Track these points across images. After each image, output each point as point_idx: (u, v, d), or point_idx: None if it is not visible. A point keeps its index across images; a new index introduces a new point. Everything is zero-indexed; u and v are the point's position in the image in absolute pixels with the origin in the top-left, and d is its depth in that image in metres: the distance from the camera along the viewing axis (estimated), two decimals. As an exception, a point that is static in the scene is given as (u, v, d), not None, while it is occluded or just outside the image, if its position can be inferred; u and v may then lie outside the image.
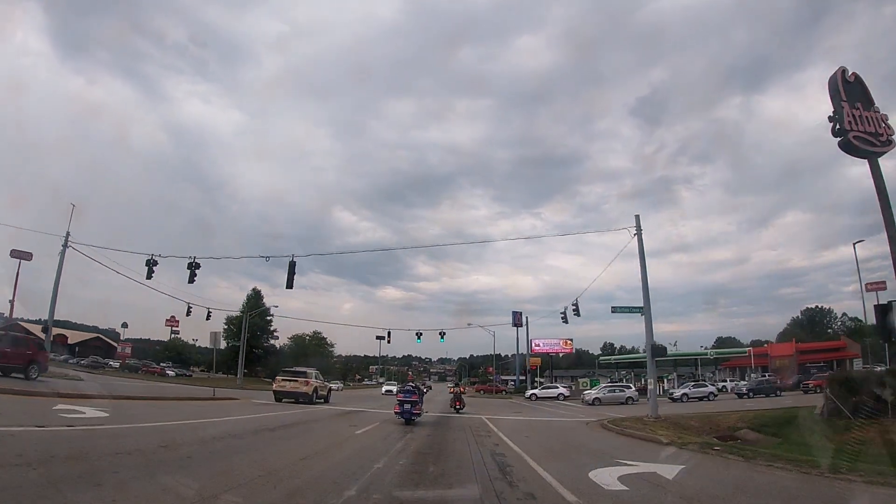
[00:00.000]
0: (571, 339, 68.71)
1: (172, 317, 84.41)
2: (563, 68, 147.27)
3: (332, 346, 79.04)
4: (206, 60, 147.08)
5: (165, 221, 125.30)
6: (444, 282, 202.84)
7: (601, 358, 73.09)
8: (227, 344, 79.98)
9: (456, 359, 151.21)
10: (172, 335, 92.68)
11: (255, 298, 79.44)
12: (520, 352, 66.00)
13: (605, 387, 36.09)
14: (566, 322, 31.51)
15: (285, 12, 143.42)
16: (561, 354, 70.36)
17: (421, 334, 44.14)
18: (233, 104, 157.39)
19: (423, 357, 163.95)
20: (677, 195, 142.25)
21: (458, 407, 22.15)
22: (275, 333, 78.85)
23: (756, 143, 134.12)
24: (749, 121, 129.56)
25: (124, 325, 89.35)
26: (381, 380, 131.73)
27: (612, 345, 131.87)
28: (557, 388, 43.76)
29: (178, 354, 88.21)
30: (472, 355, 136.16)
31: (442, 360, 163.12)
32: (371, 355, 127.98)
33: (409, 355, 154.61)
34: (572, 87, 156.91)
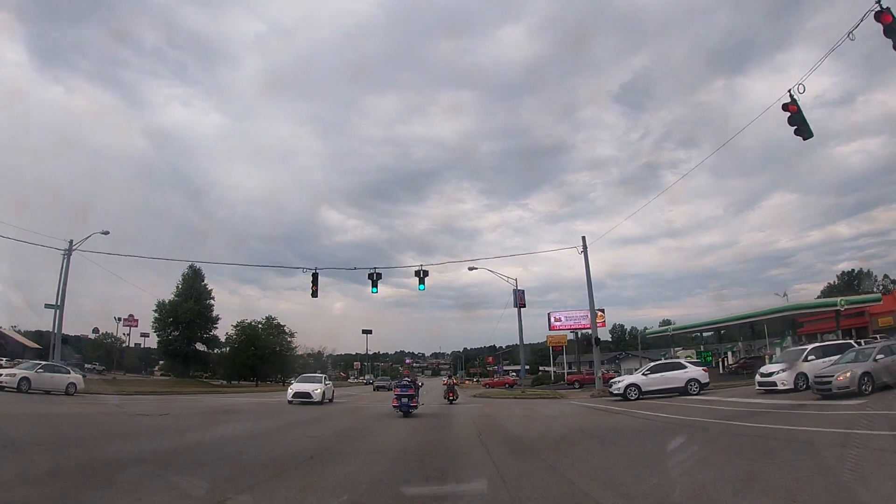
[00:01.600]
0: (603, 310, 52.81)
1: (131, 315, 70.32)
2: (545, 58, 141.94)
3: (291, 335, 61.98)
4: (185, 63, 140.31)
5: (154, 228, 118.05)
6: (434, 277, 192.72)
7: (647, 333, 56.93)
8: (160, 337, 62.91)
9: (449, 353, 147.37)
10: (124, 335, 78.11)
11: (192, 278, 62.38)
12: (523, 340, 52.74)
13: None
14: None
15: (263, 11, 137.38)
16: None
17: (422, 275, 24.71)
18: (214, 107, 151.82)
19: (416, 352, 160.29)
20: (664, 181, 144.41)
21: (451, 398, 22.58)
22: (241, 323, 61.18)
23: (740, 125, 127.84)
24: (733, 103, 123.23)
25: (95, 331, 76.43)
26: (368, 377, 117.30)
27: (622, 326, 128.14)
28: (684, 367, 21.16)
29: (106, 353, 70.84)
30: (465, 349, 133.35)
31: (435, 355, 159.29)
32: (369, 353, 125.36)
33: (402, 351, 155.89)
34: (556, 77, 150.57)
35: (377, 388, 48.91)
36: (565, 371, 52.87)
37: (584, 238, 23.70)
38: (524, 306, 61.41)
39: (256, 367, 55.77)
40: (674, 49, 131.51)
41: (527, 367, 67.20)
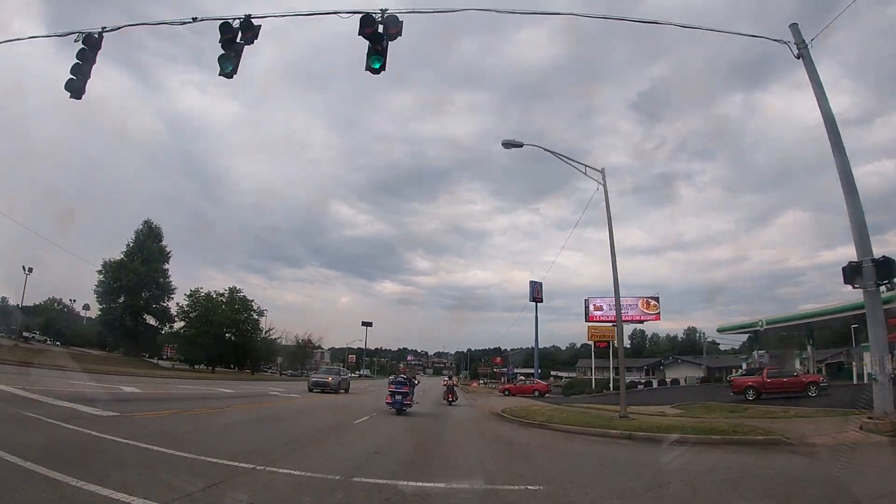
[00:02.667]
0: (657, 298, 40.29)
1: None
2: (563, 62, 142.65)
3: (260, 312, 50.22)
4: (202, 49, 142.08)
5: (163, 214, 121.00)
6: (441, 276, 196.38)
7: (722, 328, 43.36)
8: (102, 305, 51.67)
9: (453, 353, 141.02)
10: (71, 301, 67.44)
11: (146, 236, 51.23)
12: (538, 335, 47.34)
13: None
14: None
15: (281, 1, 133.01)
16: (645, 323, 40.93)
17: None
18: (229, 94, 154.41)
19: (420, 350, 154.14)
20: (676, 192, 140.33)
21: (450, 399, 21.82)
22: (197, 293, 49.87)
23: (756, 140, 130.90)
24: (750, 118, 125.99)
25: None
26: (362, 372, 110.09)
27: (642, 332, 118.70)
28: None
29: (49, 322, 60.03)
30: (469, 349, 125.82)
31: (439, 354, 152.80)
32: (371, 348, 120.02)
33: (405, 348, 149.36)
34: (572, 82, 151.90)
35: (316, 388, 25.61)
36: (611, 376, 39.76)
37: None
38: (541, 301, 51.92)
39: (211, 349, 44.12)
40: (692, 60, 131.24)
41: (515, 370, 64.20)
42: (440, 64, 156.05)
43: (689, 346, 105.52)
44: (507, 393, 36.41)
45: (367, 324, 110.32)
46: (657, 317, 39.61)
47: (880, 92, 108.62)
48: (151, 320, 50.55)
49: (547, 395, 34.29)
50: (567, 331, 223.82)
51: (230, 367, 51.00)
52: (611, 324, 40.02)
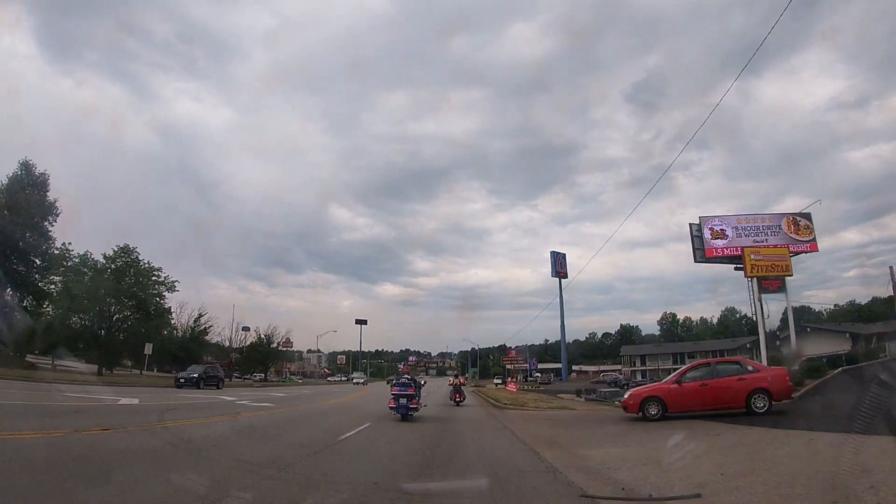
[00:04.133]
0: (809, 216, 24.38)
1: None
2: (558, 56, 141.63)
3: (169, 285, 34.15)
4: (195, 57, 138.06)
5: (162, 222, 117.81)
6: (442, 276, 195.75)
7: None
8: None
9: (457, 353, 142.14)
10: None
11: (21, 181, 35.60)
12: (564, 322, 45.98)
13: None
14: None
15: (272, 6, 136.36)
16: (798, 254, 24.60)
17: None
18: (224, 101, 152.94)
19: (423, 351, 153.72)
20: (675, 182, 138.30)
21: (457, 399, 21.13)
22: (68, 253, 34.48)
23: (753, 128, 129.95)
24: (746, 105, 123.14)
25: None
26: (353, 375, 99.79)
27: (673, 315, 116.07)
28: None
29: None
30: (474, 348, 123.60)
31: (442, 355, 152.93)
32: (371, 350, 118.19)
33: (407, 349, 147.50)
34: (568, 75, 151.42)
35: None
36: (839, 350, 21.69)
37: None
38: (565, 276, 47.31)
39: (86, 336, 28.15)
40: (687, 49, 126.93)
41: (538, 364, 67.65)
42: (434, 63, 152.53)
43: (737, 327, 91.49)
44: (646, 413, 12.05)
45: (361, 322, 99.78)
46: (813, 246, 24.16)
47: (877, 74, 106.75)
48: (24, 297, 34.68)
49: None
50: (571, 325, 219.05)
51: (153, 369, 35.12)
52: (728, 259, 24.56)
